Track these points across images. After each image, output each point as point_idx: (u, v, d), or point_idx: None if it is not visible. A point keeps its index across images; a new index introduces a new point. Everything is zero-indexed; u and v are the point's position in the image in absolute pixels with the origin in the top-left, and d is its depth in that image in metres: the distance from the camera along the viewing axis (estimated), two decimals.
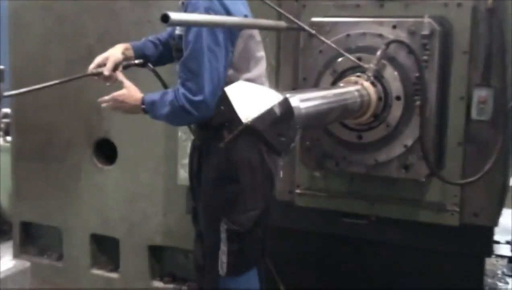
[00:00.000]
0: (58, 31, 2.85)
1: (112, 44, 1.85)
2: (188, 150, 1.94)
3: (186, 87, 1.61)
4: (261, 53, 1.77)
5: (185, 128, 2.21)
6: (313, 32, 1.91)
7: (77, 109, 2.85)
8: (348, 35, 2.01)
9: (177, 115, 1.65)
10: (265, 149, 1.67)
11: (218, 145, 1.44)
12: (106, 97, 1.75)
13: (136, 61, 1.82)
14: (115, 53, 1.81)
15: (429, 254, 2.15)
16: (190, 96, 1.61)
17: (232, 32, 1.63)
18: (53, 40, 2.86)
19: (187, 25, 1.55)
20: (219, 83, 1.62)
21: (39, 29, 2.90)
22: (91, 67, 1.79)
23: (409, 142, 1.96)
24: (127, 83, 1.74)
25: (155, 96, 1.70)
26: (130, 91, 1.73)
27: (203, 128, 1.75)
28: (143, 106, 1.71)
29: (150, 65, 1.82)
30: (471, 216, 2.02)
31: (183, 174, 2.40)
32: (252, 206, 1.72)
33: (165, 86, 1.80)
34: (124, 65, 1.80)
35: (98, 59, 1.80)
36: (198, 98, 1.60)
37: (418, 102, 1.91)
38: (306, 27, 1.89)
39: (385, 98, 1.95)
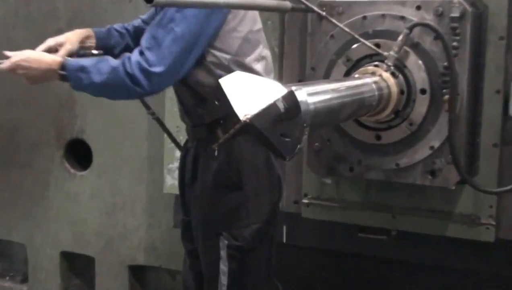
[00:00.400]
0: (23, 13, 2.85)
1: (86, 27, 1.86)
2: (176, 153, 2.00)
3: (144, 56, 1.60)
4: (265, 52, 1.79)
5: (172, 128, 2.23)
6: (323, 13, 1.93)
7: (45, 105, 2.85)
8: (364, 18, 2.01)
9: (119, 85, 1.61)
10: None
11: (211, 147, 1.46)
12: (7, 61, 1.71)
13: (95, 51, 1.82)
14: (72, 39, 1.80)
15: (459, 274, 2.16)
16: (145, 65, 1.59)
17: (222, 12, 1.64)
18: (18, 24, 2.87)
19: (174, 6, 1.55)
20: (183, 66, 1.61)
21: (1, 11, 2.90)
22: (40, 48, 1.79)
23: (436, 144, 1.96)
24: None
25: (84, 61, 1.66)
26: (41, 55, 1.68)
27: (199, 126, 1.77)
28: (62, 72, 1.66)
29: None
30: (509, 231, 2.02)
31: (170, 181, 2.41)
32: (257, 218, 1.73)
33: None
34: (80, 54, 1.80)
35: (50, 42, 1.79)
36: (155, 69, 1.58)
37: (446, 96, 1.91)
38: (315, 8, 1.89)
39: (407, 92, 1.95)
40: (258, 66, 1.75)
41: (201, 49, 1.64)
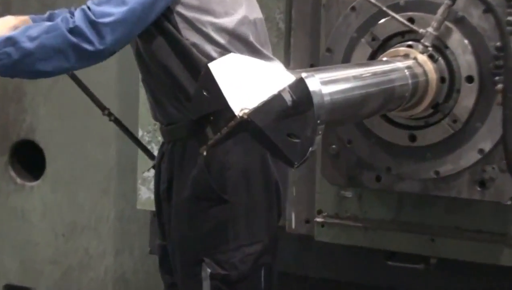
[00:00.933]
0: None
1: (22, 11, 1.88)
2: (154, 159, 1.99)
3: (91, 8, 1.63)
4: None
5: (147, 126, 2.30)
6: None
7: None
8: None
9: (60, 46, 1.61)
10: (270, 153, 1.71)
11: (200, 150, 1.47)
12: None
13: None
14: (2, 27, 1.78)
15: None
16: (91, 16, 1.60)
17: None
18: None
19: None
20: (145, 12, 1.64)
21: None
22: None
23: (487, 146, 1.95)
24: None
25: (11, 33, 1.65)
26: None
27: (176, 123, 1.78)
28: None
29: None
30: None
31: (146, 194, 2.42)
32: (249, 239, 1.74)
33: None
34: None
35: None
36: (105, 19, 1.60)
37: (499, 86, 1.90)
38: None
39: (450, 80, 1.95)
40: (243, 29, 1.76)
41: None
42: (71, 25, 1.61)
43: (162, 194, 1.86)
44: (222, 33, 1.73)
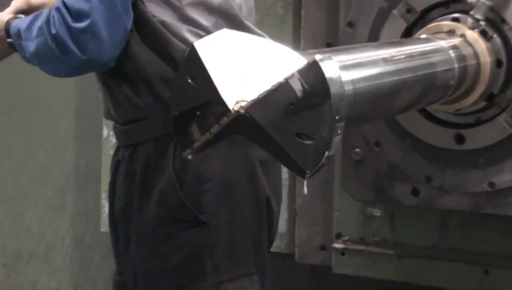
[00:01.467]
0: None
1: None
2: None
3: (67, 3, 1.68)
4: None
5: (110, 125, 2.23)
6: None
7: None
8: None
9: (48, 54, 1.71)
10: (262, 159, 1.74)
11: (183, 154, 1.48)
12: None
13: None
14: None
15: None
16: (68, 18, 1.67)
17: None
18: None
19: None
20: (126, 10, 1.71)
21: None
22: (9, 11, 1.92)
23: None
24: None
25: (22, 22, 1.80)
26: None
27: (137, 122, 1.81)
28: (9, 40, 1.81)
29: None
30: None
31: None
32: (231, 274, 1.76)
33: None
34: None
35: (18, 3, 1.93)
36: (81, 24, 1.66)
37: None
38: None
39: (508, 63, 1.95)
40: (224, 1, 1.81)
41: None
42: (52, 31, 1.68)
43: (118, 215, 1.88)
44: (199, 7, 1.75)
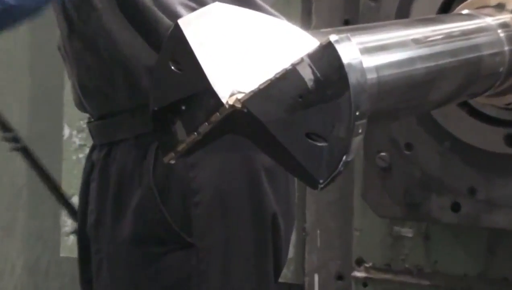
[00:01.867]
0: None
1: None
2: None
3: None
4: None
5: (78, 121, 2.29)
6: None
7: None
8: None
9: None
10: (268, 165, 1.76)
11: (164, 159, 1.46)
12: None
13: None
14: None
15: None
16: None
17: None
18: None
19: None
20: None
21: None
22: None
23: None
24: None
25: None
26: None
27: (114, 116, 1.84)
28: None
29: None
30: None
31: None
32: None
33: None
34: None
35: None
36: None
37: None
38: None
39: None
40: None
41: None
42: None
43: (90, 231, 1.89)
44: None
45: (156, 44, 1.68)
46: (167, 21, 1.71)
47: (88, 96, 1.85)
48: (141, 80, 1.75)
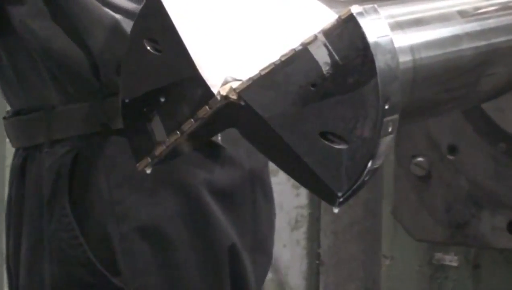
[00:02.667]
0: None
1: None
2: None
3: None
4: None
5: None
6: None
7: None
8: None
9: None
10: (222, 190, 1.74)
11: (137, 166, 1.46)
12: None
13: None
14: None
15: None
16: None
17: None
18: None
19: None
20: None
21: None
22: None
23: None
24: None
25: None
26: None
27: (30, 109, 1.83)
28: None
29: None
30: None
31: None
32: None
33: None
34: None
35: None
36: None
37: None
38: None
39: None
40: None
41: None
42: None
43: (11, 256, 1.89)
44: None
45: (87, 47, 1.69)
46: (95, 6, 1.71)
47: (4, 80, 1.84)
48: (65, 70, 1.73)
